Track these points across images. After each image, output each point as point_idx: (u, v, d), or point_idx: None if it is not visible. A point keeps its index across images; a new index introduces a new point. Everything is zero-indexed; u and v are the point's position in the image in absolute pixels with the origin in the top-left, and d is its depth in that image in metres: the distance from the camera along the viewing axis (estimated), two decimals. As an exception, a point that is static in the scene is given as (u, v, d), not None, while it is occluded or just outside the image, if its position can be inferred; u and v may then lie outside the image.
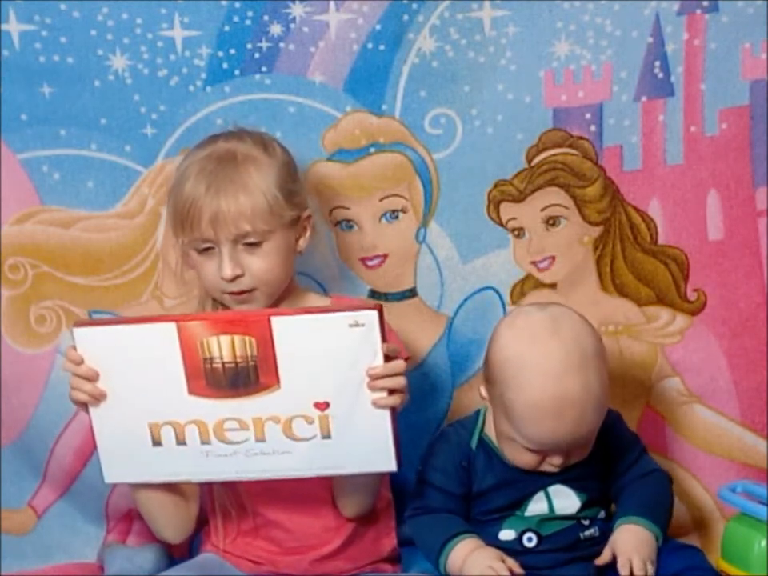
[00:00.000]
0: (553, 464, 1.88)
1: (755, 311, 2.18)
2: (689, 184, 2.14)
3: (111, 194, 2.13)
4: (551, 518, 1.92)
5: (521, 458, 1.89)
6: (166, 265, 2.11)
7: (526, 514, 1.93)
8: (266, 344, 1.72)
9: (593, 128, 2.12)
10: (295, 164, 1.96)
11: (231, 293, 1.89)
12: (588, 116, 2.11)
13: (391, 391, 1.75)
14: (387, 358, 1.74)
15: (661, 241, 2.16)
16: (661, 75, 2.10)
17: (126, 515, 2.22)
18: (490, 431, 1.94)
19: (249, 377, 1.75)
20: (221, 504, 2.00)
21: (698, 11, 2.07)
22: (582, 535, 1.93)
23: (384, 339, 1.73)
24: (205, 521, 2.04)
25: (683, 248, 2.16)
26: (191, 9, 2.05)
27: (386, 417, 1.77)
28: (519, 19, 2.07)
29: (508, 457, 1.91)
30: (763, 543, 1.93)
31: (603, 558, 1.88)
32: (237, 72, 2.07)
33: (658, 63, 2.09)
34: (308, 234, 1.95)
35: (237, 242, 1.86)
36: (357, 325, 1.71)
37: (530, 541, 1.92)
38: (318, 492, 1.94)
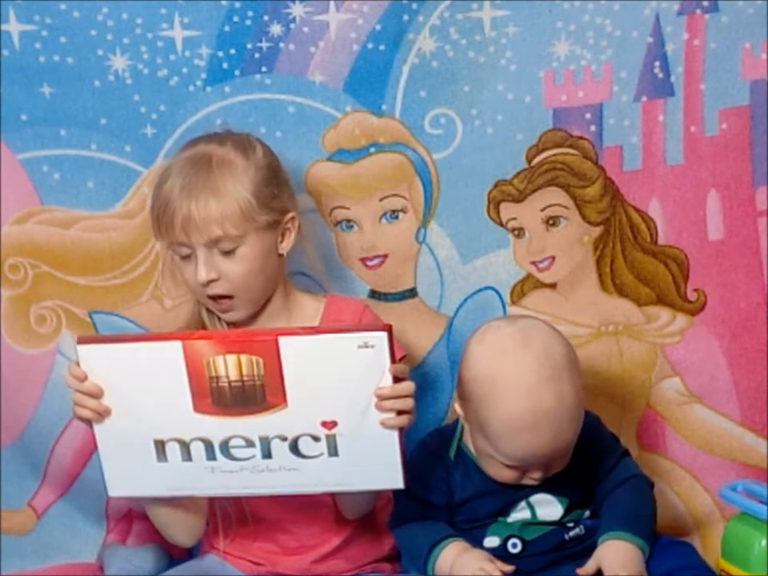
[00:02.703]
0: (533, 478, 1.87)
1: (755, 311, 2.18)
2: (689, 184, 2.14)
3: (111, 193, 2.13)
4: (534, 523, 1.92)
5: (501, 473, 1.87)
6: (166, 265, 2.11)
7: (509, 520, 1.92)
8: (273, 364, 1.71)
9: (593, 128, 2.12)
10: (278, 167, 1.95)
11: (209, 297, 1.89)
12: (588, 116, 2.11)
13: (400, 412, 1.74)
14: (396, 379, 1.73)
15: (661, 241, 2.16)
16: (661, 75, 2.10)
17: (125, 515, 2.22)
18: (469, 441, 1.93)
19: (255, 395, 1.73)
20: (220, 505, 1.99)
21: (698, 11, 2.07)
22: (567, 536, 1.92)
23: (393, 360, 1.72)
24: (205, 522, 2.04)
25: (683, 248, 2.16)
26: (191, 9, 2.05)
27: (393, 436, 1.76)
28: (519, 19, 2.07)
29: (489, 473, 1.89)
30: (763, 543, 1.92)
31: (587, 570, 1.85)
32: (237, 72, 2.07)
33: (657, 63, 2.09)
34: (292, 236, 1.94)
35: (211, 246, 1.86)
36: (366, 346, 1.70)
37: (514, 547, 1.91)
38: (316, 492, 1.94)
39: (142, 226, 2.13)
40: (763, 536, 1.92)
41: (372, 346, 1.70)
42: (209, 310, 1.95)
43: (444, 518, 1.93)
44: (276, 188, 1.91)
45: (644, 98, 2.11)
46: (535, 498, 1.91)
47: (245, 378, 1.72)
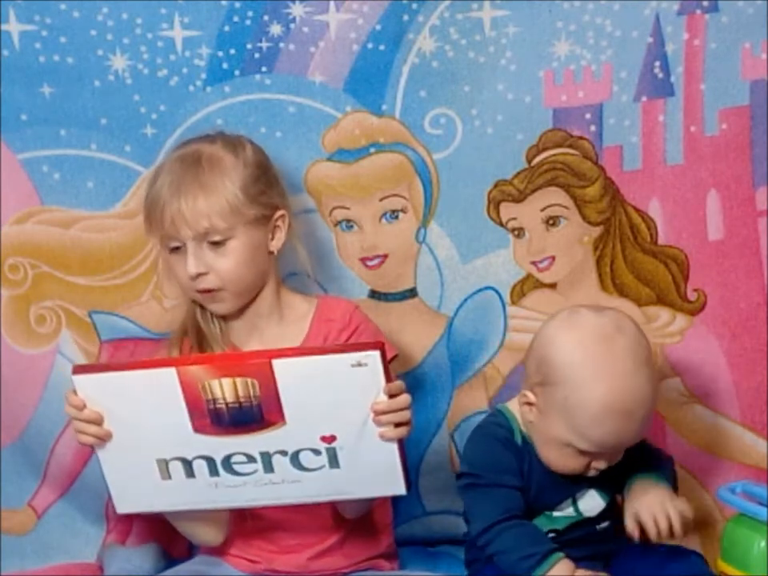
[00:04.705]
0: (597, 468, 1.87)
1: (755, 311, 2.17)
2: (689, 184, 2.14)
3: (111, 193, 2.13)
4: (578, 521, 1.92)
5: (567, 464, 1.87)
6: (164, 265, 2.11)
7: (555, 514, 1.92)
8: (269, 385, 1.71)
9: (593, 128, 2.11)
10: (268, 166, 1.97)
11: (198, 290, 1.91)
12: (588, 116, 2.11)
13: (397, 424, 1.75)
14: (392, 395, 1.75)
15: (661, 241, 2.16)
16: (661, 75, 2.10)
17: (126, 515, 2.21)
18: (527, 430, 1.92)
19: (253, 415, 1.74)
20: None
21: (698, 11, 2.07)
22: (597, 527, 1.94)
23: (388, 376, 1.73)
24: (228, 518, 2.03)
25: (683, 248, 2.16)
26: (191, 9, 2.05)
27: (393, 445, 1.77)
28: (519, 19, 2.07)
29: (552, 462, 1.89)
30: (762, 544, 1.93)
31: (632, 532, 1.87)
32: (237, 72, 2.07)
33: (657, 63, 2.09)
34: (282, 234, 1.95)
35: (201, 240, 1.88)
36: (360, 365, 1.71)
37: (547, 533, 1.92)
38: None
39: (142, 226, 2.12)
40: (762, 537, 1.92)
41: (365, 365, 1.71)
42: (202, 310, 1.96)
43: (523, 505, 1.89)
44: (265, 185, 1.93)
45: (644, 98, 2.11)
46: (581, 494, 1.92)
47: (241, 400, 1.73)
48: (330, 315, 1.97)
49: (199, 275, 1.89)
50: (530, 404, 1.89)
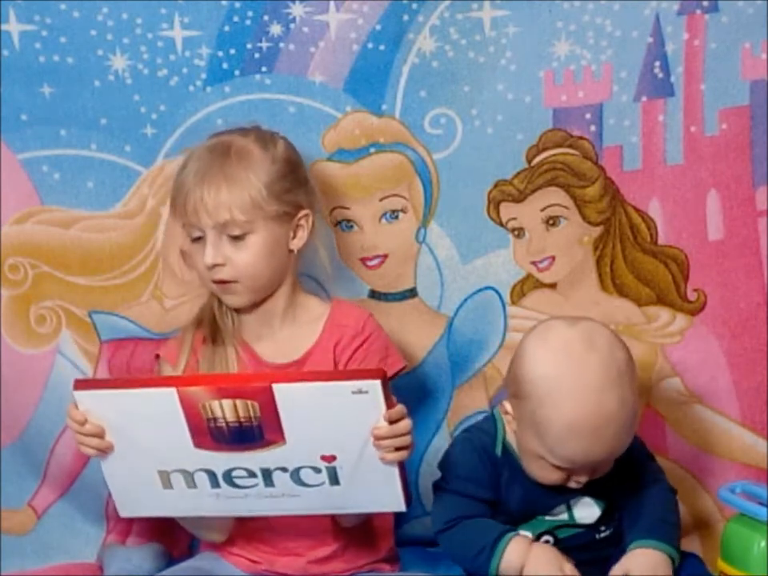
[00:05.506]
0: (578, 481, 1.85)
1: (755, 311, 2.18)
2: (689, 184, 2.14)
3: (111, 193, 2.13)
4: (570, 524, 1.91)
5: (546, 476, 1.85)
6: (166, 265, 2.11)
7: (547, 518, 1.91)
8: (269, 408, 1.71)
9: (593, 128, 2.12)
10: (298, 164, 1.96)
11: (214, 281, 1.91)
12: (588, 116, 2.11)
13: (398, 447, 1.75)
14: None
15: (661, 241, 2.16)
16: (661, 75, 2.10)
17: (126, 515, 2.22)
18: (512, 439, 1.91)
19: (254, 434, 1.74)
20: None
21: (698, 11, 2.07)
22: (597, 536, 1.92)
23: (389, 402, 1.72)
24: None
25: (683, 248, 2.16)
26: (191, 9, 2.05)
27: (393, 466, 1.76)
28: (519, 19, 2.07)
29: (532, 473, 1.87)
30: (763, 544, 1.92)
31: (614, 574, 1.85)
32: (237, 72, 2.08)
33: (657, 63, 2.09)
34: (305, 233, 1.95)
35: (221, 231, 1.88)
36: (360, 392, 1.70)
37: (546, 543, 1.90)
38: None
39: (142, 226, 2.13)
40: (762, 537, 1.92)
41: (366, 392, 1.70)
42: (220, 302, 1.96)
43: (491, 515, 1.90)
44: (291, 183, 1.93)
45: (644, 98, 2.11)
46: (575, 501, 1.90)
47: (242, 420, 1.72)
48: (343, 321, 1.96)
49: (215, 265, 1.89)
50: (508, 414, 1.88)
